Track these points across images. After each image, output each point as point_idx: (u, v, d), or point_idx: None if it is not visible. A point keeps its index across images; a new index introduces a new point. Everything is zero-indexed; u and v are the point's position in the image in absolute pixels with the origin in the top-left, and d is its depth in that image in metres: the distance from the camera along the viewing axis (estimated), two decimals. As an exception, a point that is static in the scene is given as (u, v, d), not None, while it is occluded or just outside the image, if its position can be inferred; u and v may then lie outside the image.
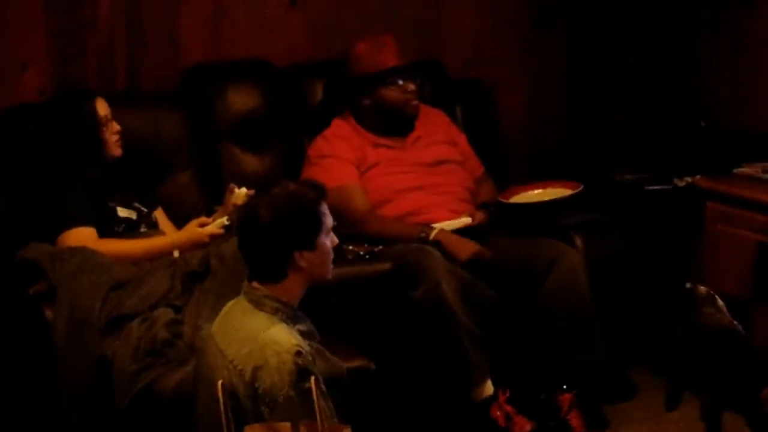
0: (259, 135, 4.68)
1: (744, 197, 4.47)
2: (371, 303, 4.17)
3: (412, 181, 4.56)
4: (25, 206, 4.08)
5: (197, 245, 3.96)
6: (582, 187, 4.54)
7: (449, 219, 4.50)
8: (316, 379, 2.94)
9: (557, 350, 4.25)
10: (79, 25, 4.60)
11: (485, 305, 4.20)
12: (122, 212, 4.14)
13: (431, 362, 4.13)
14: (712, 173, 4.70)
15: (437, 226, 4.42)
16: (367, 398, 3.65)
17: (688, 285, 4.21)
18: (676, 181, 4.79)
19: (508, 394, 4.05)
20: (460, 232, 4.43)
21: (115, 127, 4.19)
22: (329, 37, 4.94)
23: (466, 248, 4.34)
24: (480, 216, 4.53)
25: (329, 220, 3.20)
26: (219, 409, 2.93)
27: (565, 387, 4.12)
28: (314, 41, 4.96)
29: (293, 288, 3.17)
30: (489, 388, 4.14)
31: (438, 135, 4.72)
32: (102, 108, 4.15)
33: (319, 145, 4.59)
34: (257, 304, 3.13)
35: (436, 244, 4.32)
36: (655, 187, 4.83)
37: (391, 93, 4.58)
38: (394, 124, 4.64)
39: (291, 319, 3.14)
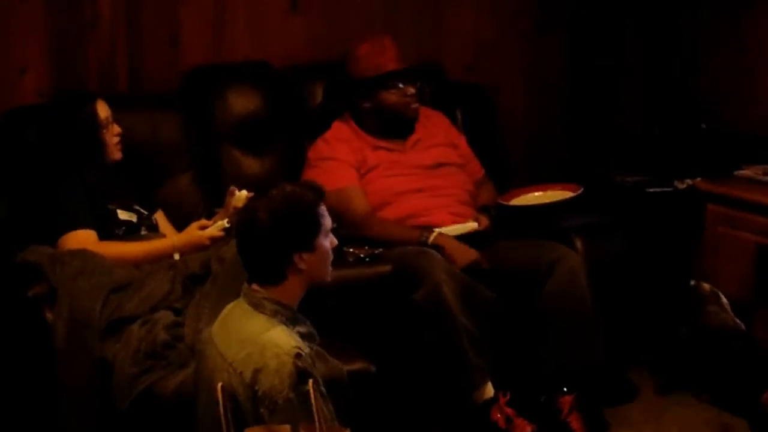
0: (259, 137, 4.67)
1: (744, 199, 4.47)
2: (371, 305, 4.17)
3: (412, 183, 4.56)
4: (26, 209, 4.08)
5: (198, 248, 3.96)
6: (582, 189, 4.54)
7: (450, 221, 4.50)
8: (316, 382, 2.94)
9: (558, 352, 4.25)
10: (79, 27, 4.60)
11: (485, 307, 4.20)
12: (122, 215, 4.14)
13: (431, 364, 4.12)
14: (713, 175, 4.71)
15: (445, 230, 4.42)
16: (367, 401, 3.65)
17: (692, 282, 4.22)
18: (676, 183, 4.79)
19: (508, 397, 4.06)
20: (467, 236, 4.42)
21: (116, 129, 4.19)
22: (329, 39, 4.94)
23: (465, 255, 4.34)
24: (485, 221, 4.53)
25: (328, 222, 3.20)
26: (219, 411, 2.93)
27: (565, 389, 4.13)
28: (314, 44, 4.96)
29: (293, 290, 3.16)
30: (489, 390, 4.14)
31: (438, 138, 4.71)
32: (102, 110, 4.15)
33: (319, 147, 4.59)
34: (257, 306, 3.13)
35: (436, 247, 4.32)
36: (655, 190, 4.83)
37: (391, 96, 4.58)
38: (393, 126, 4.64)
39: (291, 321, 3.14)
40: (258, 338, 3.05)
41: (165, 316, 3.74)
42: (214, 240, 3.95)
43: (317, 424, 2.90)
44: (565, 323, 4.26)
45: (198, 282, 3.84)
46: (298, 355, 2.99)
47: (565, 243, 4.46)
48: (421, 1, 5.17)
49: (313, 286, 3.21)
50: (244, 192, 3.94)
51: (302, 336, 3.13)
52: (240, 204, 3.89)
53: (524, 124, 5.40)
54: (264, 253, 3.14)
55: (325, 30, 4.99)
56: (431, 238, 4.37)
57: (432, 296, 4.10)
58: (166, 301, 3.80)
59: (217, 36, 4.84)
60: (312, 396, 2.92)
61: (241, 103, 4.67)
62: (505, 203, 4.61)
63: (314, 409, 2.91)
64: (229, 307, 3.23)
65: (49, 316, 3.74)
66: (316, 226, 3.15)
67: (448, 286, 4.10)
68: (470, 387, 4.13)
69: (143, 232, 4.15)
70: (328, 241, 3.20)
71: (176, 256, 3.97)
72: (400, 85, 4.57)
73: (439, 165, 4.65)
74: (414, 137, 4.67)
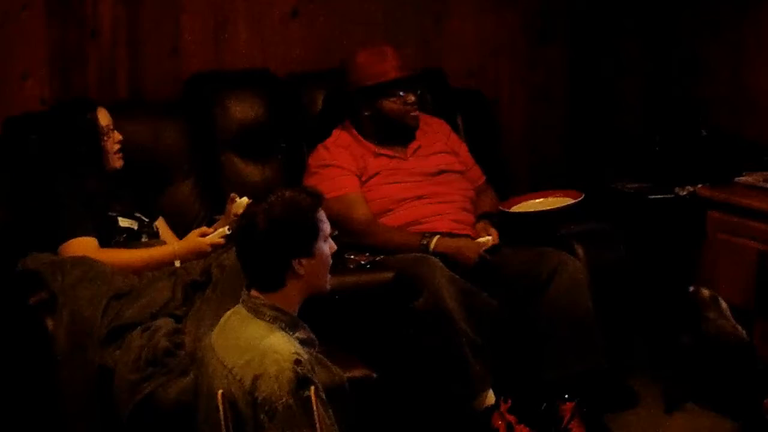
0: (260, 144, 4.68)
1: (745, 206, 4.47)
2: (373, 312, 4.16)
3: (413, 190, 4.56)
4: (27, 216, 4.08)
5: (198, 255, 3.96)
6: (583, 196, 4.54)
7: (451, 229, 4.50)
8: (316, 388, 2.94)
9: (559, 359, 4.25)
10: (80, 35, 4.61)
11: (486, 314, 4.20)
12: (123, 222, 4.14)
13: (433, 371, 4.12)
14: (714, 182, 4.71)
15: None
16: (368, 408, 3.65)
17: (691, 288, 4.21)
18: (677, 190, 4.79)
19: (509, 404, 4.05)
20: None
21: (117, 137, 4.19)
22: (330, 47, 4.95)
23: (471, 248, 4.35)
24: (496, 233, 4.52)
25: (326, 227, 3.20)
26: (219, 418, 2.93)
27: (566, 396, 4.12)
28: (315, 51, 4.97)
29: (292, 296, 3.16)
30: (490, 397, 4.14)
31: (439, 144, 4.72)
32: (103, 118, 4.15)
33: (320, 154, 4.59)
34: (256, 312, 3.13)
35: (438, 253, 4.32)
36: (656, 196, 4.84)
37: (391, 104, 4.58)
38: (394, 134, 4.64)
39: (290, 327, 3.13)
40: (257, 344, 3.05)
41: (166, 324, 3.73)
42: (214, 247, 3.95)
43: (318, 430, 2.90)
44: (566, 330, 4.26)
45: (199, 289, 3.83)
46: (297, 362, 2.99)
47: (566, 250, 4.46)
48: (422, 8, 5.18)
49: (313, 295, 3.21)
50: (245, 199, 3.94)
51: (302, 342, 3.13)
52: (240, 211, 3.89)
53: (525, 130, 5.41)
54: (263, 258, 3.14)
55: (325, 37, 4.99)
56: (432, 243, 4.37)
57: (433, 303, 4.10)
58: (166, 309, 3.80)
59: (217, 43, 4.85)
60: (314, 402, 2.93)
61: (242, 110, 4.68)
62: (506, 210, 4.61)
63: (316, 416, 2.92)
64: (228, 313, 3.23)
65: (49, 323, 3.73)
66: (314, 232, 3.15)
67: (449, 293, 4.10)
68: (471, 394, 4.13)
69: (144, 240, 4.15)
70: (327, 246, 3.20)
71: (177, 263, 3.97)
72: (401, 93, 4.57)
73: (440, 172, 4.65)
74: (415, 144, 4.68)
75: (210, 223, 4.17)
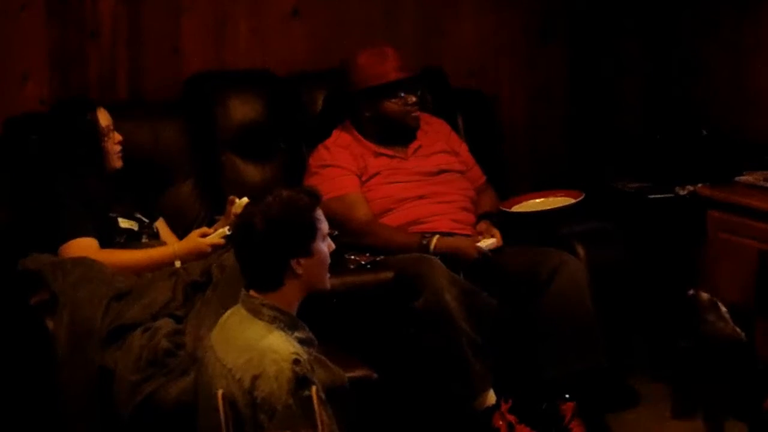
0: (260, 144, 4.68)
1: (746, 206, 4.46)
2: (373, 312, 4.16)
3: (414, 190, 4.56)
4: (27, 217, 4.08)
5: (199, 255, 3.96)
6: (584, 195, 4.54)
7: (451, 228, 4.50)
8: (315, 387, 2.94)
9: (559, 359, 4.25)
10: (80, 35, 4.62)
11: (487, 314, 4.20)
12: (123, 223, 4.14)
13: (433, 371, 4.12)
14: (714, 181, 4.70)
15: None
16: (369, 408, 3.65)
17: (690, 291, 4.21)
18: (677, 189, 4.79)
19: (510, 403, 4.05)
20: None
21: (117, 137, 4.19)
22: (330, 46, 4.94)
23: (471, 246, 4.36)
24: (499, 234, 4.52)
25: (324, 226, 3.20)
26: (219, 418, 2.93)
27: (567, 396, 4.12)
28: (315, 51, 4.96)
29: (291, 295, 3.17)
30: (491, 397, 4.14)
31: (439, 144, 4.72)
32: (104, 118, 4.15)
33: (321, 154, 4.59)
34: (255, 312, 3.13)
35: (438, 252, 4.32)
36: (656, 196, 4.83)
37: (392, 105, 4.58)
38: (395, 134, 4.64)
39: (289, 327, 3.13)
40: (256, 344, 3.05)
41: (166, 324, 3.73)
42: (215, 247, 3.95)
43: (319, 429, 2.90)
44: (566, 329, 4.26)
45: (199, 289, 3.83)
46: (296, 361, 3.00)
47: (567, 249, 4.46)
48: (422, 8, 5.17)
49: (312, 293, 3.21)
50: (245, 199, 3.93)
51: (301, 342, 3.13)
52: (240, 211, 3.89)
53: (526, 130, 5.41)
54: (261, 258, 3.14)
55: (326, 37, 4.99)
56: (432, 243, 4.37)
57: (433, 303, 4.10)
58: (167, 309, 3.80)
59: (218, 43, 4.85)
60: (315, 401, 2.93)
61: (242, 110, 4.68)
62: (507, 210, 4.61)
63: (316, 415, 2.92)
64: (227, 313, 3.23)
65: (50, 324, 3.74)
66: (312, 231, 3.15)
67: (450, 293, 4.10)
68: (472, 394, 4.13)
69: (144, 240, 4.15)
70: (326, 246, 3.20)
71: (177, 264, 3.97)
72: (402, 94, 4.57)
73: (441, 171, 4.65)
74: (415, 144, 4.68)
75: (210, 224, 4.17)
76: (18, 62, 4.53)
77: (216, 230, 4.00)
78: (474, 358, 4.11)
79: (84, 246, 3.95)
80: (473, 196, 4.69)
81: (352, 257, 4.34)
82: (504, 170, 5.00)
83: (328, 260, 3.22)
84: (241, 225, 3.19)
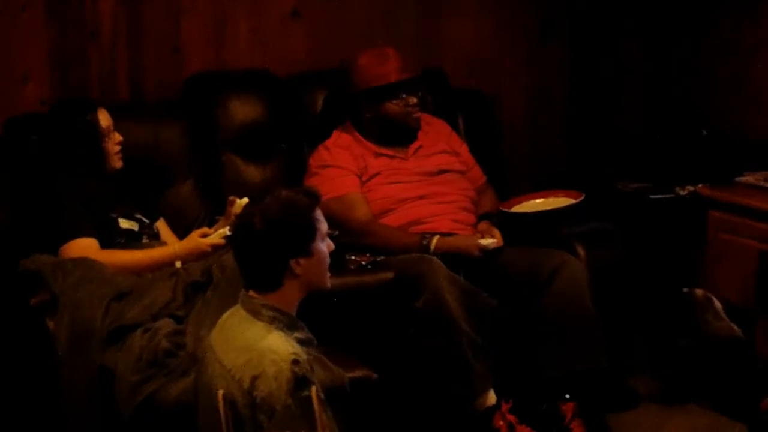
0: (260, 145, 4.68)
1: (746, 206, 4.47)
2: (373, 312, 4.17)
3: (414, 190, 4.57)
4: (27, 217, 4.08)
5: (199, 255, 3.96)
6: (584, 196, 4.54)
7: (452, 229, 4.50)
8: (315, 388, 2.94)
9: (560, 359, 4.25)
10: (80, 36, 4.61)
11: (487, 314, 4.20)
12: (124, 223, 4.14)
13: (433, 372, 4.12)
14: (714, 182, 4.70)
15: None
16: (369, 408, 3.65)
17: (685, 290, 4.22)
18: (678, 189, 4.79)
19: (510, 404, 4.05)
20: (490, 252, 4.44)
21: (117, 138, 4.19)
22: (330, 47, 4.95)
23: (471, 244, 4.36)
24: (499, 234, 4.51)
25: (324, 226, 3.20)
26: (218, 417, 2.93)
27: (567, 396, 4.12)
28: (315, 51, 4.97)
29: (290, 296, 3.17)
30: (491, 397, 4.14)
31: (439, 144, 4.72)
32: (104, 119, 4.15)
33: (321, 155, 4.59)
34: (254, 312, 3.14)
35: (438, 252, 4.32)
36: (657, 196, 4.83)
37: (393, 107, 4.58)
38: (395, 134, 4.64)
39: (288, 328, 3.14)
40: (256, 345, 3.05)
41: (166, 324, 3.74)
42: (215, 247, 3.95)
43: (318, 430, 2.90)
44: (567, 330, 4.26)
45: (199, 290, 3.83)
46: (295, 362, 3.00)
47: (567, 250, 4.46)
48: (422, 8, 5.17)
49: (312, 292, 3.21)
50: (245, 199, 3.94)
51: (300, 342, 3.13)
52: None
53: (526, 130, 5.41)
54: (260, 259, 3.14)
55: (326, 37, 4.99)
56: (433, 244, 4.37)
57: (433, 303, 4.10)
58: (167, 309, 3.80)
59: (218, 44, 4.85)
60: (315, 401, 2.93)
61: (243, 110, 4.68)
62: (507, 210, 4.61)
63: (316, 415, 2.92)
64: (227, 314, 3.23)
65: (50, 324, 3.74)
66: (311, 231, 3.15)
67: (450, 293, 4.10)
68: (472, 394, 4.13)
69: (145, 241, 4.15)
70: (325, 246, 3.20)
71: (178, 264, 3.97)
72: (403, 95, 4.57)
73: (441, 172, 4.65)
74: (416, 144, 4.68)
75: (211, 224, 4.17)
76: (18, 62, 4.53)
77: (216, 231, 4.00)
78: (474, 359, 4.11)
79: (84, 246, 3.95)
80: (473, 196, 4.69)
81: (353, 257, 4.34)
82: (504, 170, 5.00)
83: (328, 260, 3.22)
84: (240, 225, 3.19)
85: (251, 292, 3.17)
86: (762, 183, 4.61)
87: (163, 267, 3.97)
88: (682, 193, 4.76)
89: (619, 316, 4.48)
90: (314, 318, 3.26)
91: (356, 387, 3.50)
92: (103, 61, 4.66)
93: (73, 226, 3.99)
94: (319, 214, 3.18)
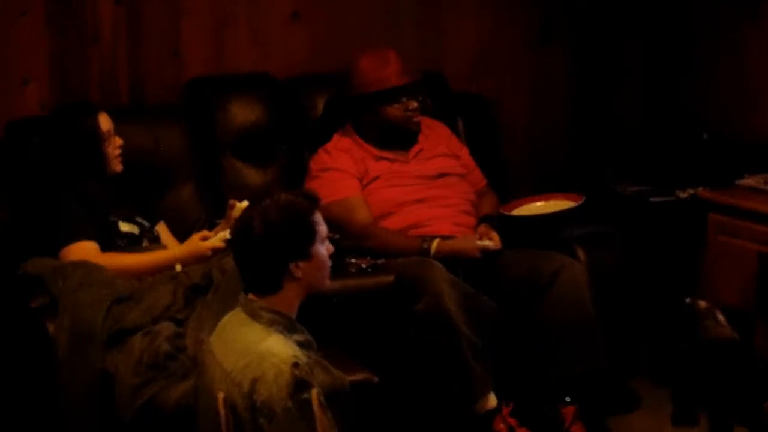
0: (261, 148, 4.68)
1: (746, 209, 4.47)
2: (374, 316, 4.17)
3: (414, 194, 4.57)
4: (28, 220, 4.09)
5: (199, 259, 3.96)
6: (584, 199, 4.54)
7: (452, 232, 4.50)
8: (315, 390, 2.94)
9: (560, 362, 4.25)
10: (81, 39, 4.62)
11: (487, 317, 4.20)
12: (124, 227, 4.14)
13: (434, 375, 4.12)
14: (715, 185, 4.70)
15: None
16: (369, 411, 3.65)
17: (687, 300, 4.22)
18: (678, 192, 4.79)
19: (511, 407, 4.05)
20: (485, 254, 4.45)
21: (117, 141, 4.20)
22: (330, 50, 4.95)
23: (471, 246, 4.36)
24: (497, 237, 4.51)
25: (323, 229, 3.20)
26: (218, 421, 2.93)
27: (568, 399, 4.12)
28: (315, 54, 4.97)
29: (290, 299, 3.17)
30: (492, 400, 4.14)
31: (440, 148, 4.72)
32: (105, 123, 4.15)
33: (321, 158, 4.59)
34: (254, 315, 3.13)
35: (438, 255, 4.33)
36: (657, 199, 4.84)
37: (393, 111, 4.58)
38: (396, 138, 4.64)
39: (288, 330, 3.13)
40: (255, 348, 3.05)
41: (167, 327, 3.74)
42: (215, 251, 3.95)
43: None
44: (567, 332, 4.26)
45: (200, 293, 3.84)
46: (295, 364, 2.99)
47: (567, 252, 4.46)
48: (422, 11, 5.17)
49: (312, 295, 3.21)
50: (245, 203, 3.93)
51: (300, 345, 3.13)
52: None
53: (526, 133, 5.41)
54: (259, 262, 3.14)
55: (326, 40, 5.00)
56: (433, 247, 4.38)
57: (434, 306, 4.10)
58: (168, 312, 3.80)
59: (218, 47, 4.85)
60: (315, 404, 2.93)
61: (243, 114, 4.68)
62: (507, 213, 4.61)
63: (316, 418, 2.92)
64: (227, 317, 3.23)
65: (51, 327, 3.74)
66: (310, 234, 3.15)
67: (450, 296, 4.10)
68: (472, 397, 4.13)
69: (145, 244, 4.16)
70: (324, 248, 3.20)
71: (178, 267, 3.97)
72: (403, 99, 4.57)
73: (441, 175, 4.65)
74: (416, 148, 4.68)
75: (211, 227, 4.17)
76: (19, 66, 4.53)
77: (216, 234, 4.00)
78: (474, 361, 4.11)
79: (84, 250, 3.96)
80: (474, 199, 4.69)
81: (353, 261, 4.34)
82: (504, 173, 5.00)
83: (328, 263, 3.23)
84: (240, 228, 3.19)
85: (251, 295, 3.17)
86: (762, 186, 4.61)
87: (164, 270, 3.97)
88: (682, 195, 4.76)
89: (619, 318, 4.48)
90: (315, 321, 3.26)
91: (357, 390, 3.50)
92: (103, 64, 4.66)
93: (74, 230, 3.99)
94: (318, 217, 3.18)
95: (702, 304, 4.12)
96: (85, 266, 3.87)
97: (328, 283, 3.25)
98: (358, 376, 3.73)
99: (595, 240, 4.56)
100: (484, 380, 4.14)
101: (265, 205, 3.14)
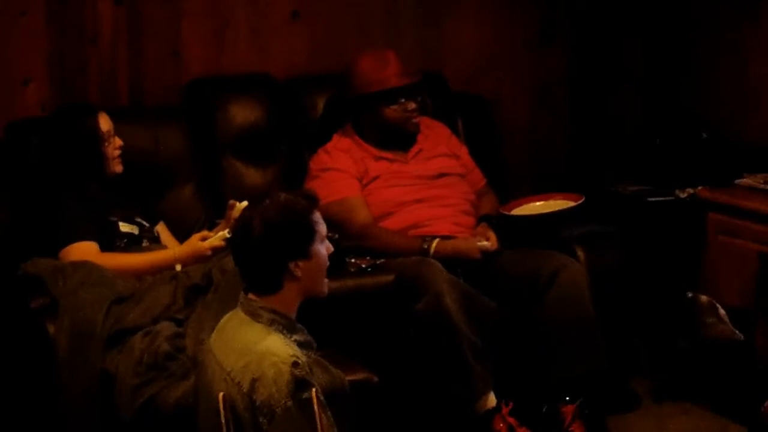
0: (260, 149, 4.68)
1: (745, 208, 4.47)
2: (374, 315, 4.17)
3: (414, 194, 4.57)
4: (28, 221, 4.09)
5: (199, 259, 3.96)
6: (584, 198, 4.54)
7: (451, 232, 4.50)
8: (315, 390, 2.94)
9: (560, 362, 4.25)
10: (80, 40, 4.62)
11: (487, 317, 4.20)
12: (124, 227, 4.14)
13: (434, 374, 4.13)
14: (714, 184, 4.71)
15: None
16: (369, 411, 3.65)
17: (689, 294, 4.22)
18: (677, 192, 4.79)
19: (511, 406, 4.05)
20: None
21: (117, 142, 4.20)
22: (330, 50, 4.95)
23: (471, 246, 4.36)
24: (494, 238, 4.51)
25: (323, 228, 3.20)
26: (218, 420, 2.93)
27: (567, 398, 4.12)
28: (315, 55, 4.97)
29: (289, 298, 3.17)
30: (492, 400, 4.14)
31: (439, 148, 4.72)
32: (104, 123, 4.16)
33: (321, 158, 4.60)
34: (253, 315, 3.14)
35: (438, 255, 4.33)
36: (656, 199, 4.83)
37: (392, 112, 4.58)
38: (395, 138, 4.64)
39: (288, 330, 3.14)
40: (255, 347, 3.05)
41: (167, 327, 3.74)
42: (215, 250, 3.95)
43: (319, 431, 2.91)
44: (567, 332, 4.26)
45: (200, 293, 3.84)
46: (295, 364, 3.00)
47: (567, 252, 4.46)
48: (422, 11, 5.17)
49: (310, 297, 3.21)
50: (245, 203, 3.94)
51: (300, 344, 3.13)
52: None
53: (526, 133, 5.41)
54: (259, 261, 3.14)
55: (326, 41, 5.00)
56: (432, 247, 4.38)
57: (434, 306, 4.10)
58: (168, 312, 3.81)
59: (218, 48, 4.85)
60: (315, 404, 2.93)
61: (243, 114, 4.68)
62: (507, 213, 4.61)
63: (316, 418, 2.92)
64: (226, 316, 3.23)
65: (51, 327, 3.74)
66: (310, 234, 3.16)
67: (450, 296, 4.11)
68: (472, 396, 4.13)
69: (145, 244, 4.16)
70: (324, 248, 3.21)
71: (178, 268, 3.97)
72: (402, 100, 4.57)
73: (441, 175, 4.65)
74: (416, 148, 4.68)
75: (211, 227, 4.17)
76: (19, 67, 4.54)
77: (216, 234, 4.00)
78: (474, 361, 4.11)
79: (84, 250, 3.96)
80: (474, 199, 4.69)
81: (353, 261, 4.34)
82: (504, 173, 5.00)
83: (327, 263, 3.23)
84: (240, 228, 3.20)
85: (251, 295, 3.17)
86: (761, 185, 4.61)
87: (164, 270, 3.97)
88: (682, 195, 4.76)
89: (619, 318, 4.48)
90: (314, 321, 3.26)
91: (357, 390, 3.50)
92: (103, 65, 4.67)
93: (74, 230, 3.99)
94: (317, 217, 3.18)
95: (703, 299, 4.13)
96: (85, 266, 3.87)
97: (326, 288, 3.25)
98: (358, 376, 3.73)
99: (594, 240, 4.56)
100: (484, 380, 4.15)
101: (264, 205, 3.14)
